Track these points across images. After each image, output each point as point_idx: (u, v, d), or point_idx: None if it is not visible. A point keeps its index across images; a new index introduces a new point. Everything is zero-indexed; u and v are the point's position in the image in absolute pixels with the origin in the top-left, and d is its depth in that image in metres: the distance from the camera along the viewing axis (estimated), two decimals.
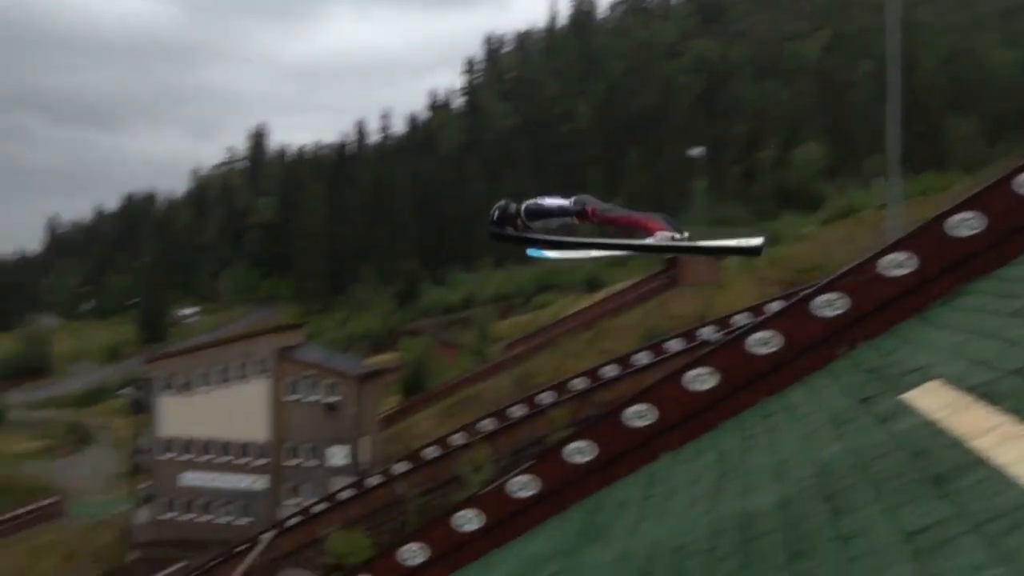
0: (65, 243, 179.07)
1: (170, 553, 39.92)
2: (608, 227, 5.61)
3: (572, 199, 5.48)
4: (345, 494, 28.15)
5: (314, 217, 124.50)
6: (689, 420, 10.23)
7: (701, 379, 10.15)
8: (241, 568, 21.73)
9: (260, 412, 44.51)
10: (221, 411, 44.48)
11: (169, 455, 45.39)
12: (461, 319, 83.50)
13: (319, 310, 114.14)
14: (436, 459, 25.17)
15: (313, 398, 44.27)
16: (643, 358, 26.82)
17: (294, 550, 23.01)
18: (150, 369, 47.94)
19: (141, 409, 49.35)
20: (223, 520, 44.57)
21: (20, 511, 56.18)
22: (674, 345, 26.44)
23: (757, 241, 5.30)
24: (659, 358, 25.15)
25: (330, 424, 44.10)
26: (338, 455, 44.00)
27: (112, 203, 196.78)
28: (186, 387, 45.46)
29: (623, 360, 28.12)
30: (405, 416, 52.70)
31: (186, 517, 45.15)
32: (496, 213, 5.56)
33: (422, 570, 13.39)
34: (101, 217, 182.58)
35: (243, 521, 43.46)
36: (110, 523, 49.70)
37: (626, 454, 11.34)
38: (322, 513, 24.90)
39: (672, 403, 10.54)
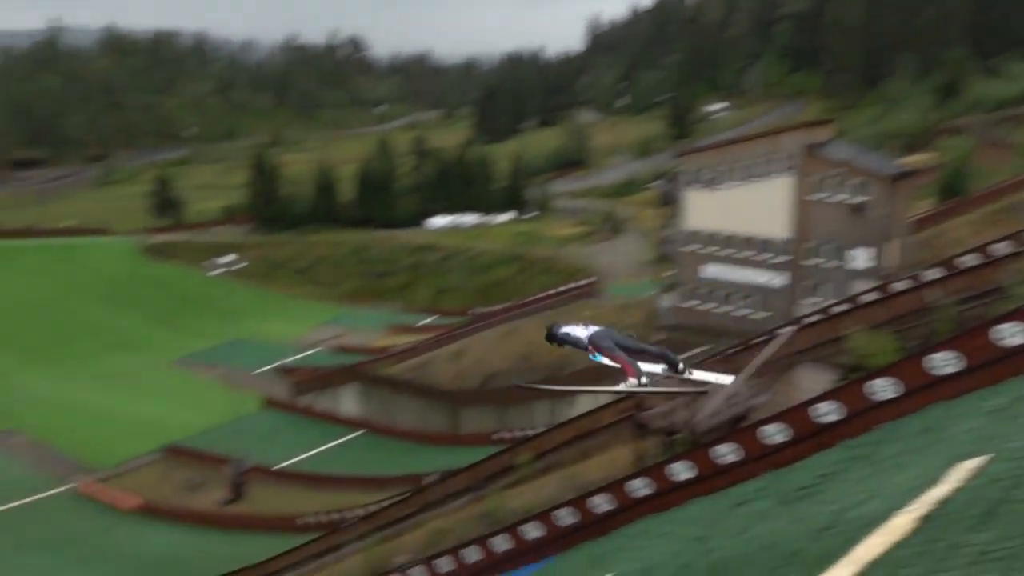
0: (603, 42, 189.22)
1: (691, 337, 42.17)
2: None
3: (587, 335, 7.42)
4: (868, 297, 27.16)
5: (849, 5, 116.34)
6: None
7: None
8: (759, 358, 22.07)
9: (782, 210, 44.19)
10: (744, 207, 44.97)
11: (693, 247, 47.28)
12: (1015, 115, 74.24)
13: (849, 105, 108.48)
14: (975, 267, 23.05)
15: (839, 197, 42.77)
16: None
17: (812, 347, 22.79)
18: (678, 163, 49.51)
19: (669, 202, 51.56)
20: (741, 312, 45.86)
21: (563, 288, 63.15)
22: None
23: (724, 380, 7.27)
24: None
25: (855, 225, 42.48)
26: (861, 257, 42.48)
27: (647, 1, 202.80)
28: (712, 182, 46.38)
29: None
30: (939, 221, 49.06)
31: (706, 306, 47.18)
32: (546, 332, 7.49)
33: (953, 380, 12.41)
34: (636, 15, 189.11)
35: (760, 315, 44.35)
36: (638, 305, 53.76)
37: None
38: (843, 313, 24.25)
39: None
